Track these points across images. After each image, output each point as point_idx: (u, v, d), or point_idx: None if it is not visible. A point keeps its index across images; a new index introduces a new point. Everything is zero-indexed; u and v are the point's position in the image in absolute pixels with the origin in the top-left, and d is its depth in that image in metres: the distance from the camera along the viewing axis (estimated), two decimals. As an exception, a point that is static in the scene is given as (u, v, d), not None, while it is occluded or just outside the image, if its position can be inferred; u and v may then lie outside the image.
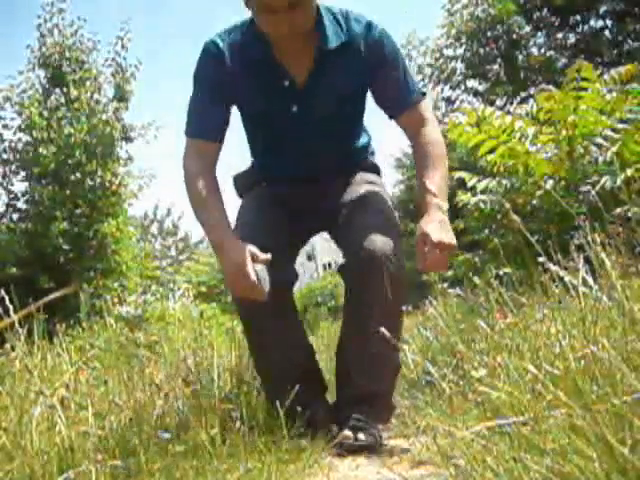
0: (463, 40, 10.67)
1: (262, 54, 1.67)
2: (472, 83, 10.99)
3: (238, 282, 1.55)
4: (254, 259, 1.55)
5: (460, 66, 10.88)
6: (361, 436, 1.63)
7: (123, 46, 8.57)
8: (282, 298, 1.73)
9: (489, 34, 10.49)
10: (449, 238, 1.54)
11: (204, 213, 1.65)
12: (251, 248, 1.56)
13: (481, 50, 10.59)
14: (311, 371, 1.89)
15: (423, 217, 1.59)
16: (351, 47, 1.67)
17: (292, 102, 1.71)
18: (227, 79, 1.68)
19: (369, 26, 1.70)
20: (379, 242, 1.64)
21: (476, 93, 10.93)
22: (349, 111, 1.82)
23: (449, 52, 10.97)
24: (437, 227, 1.54)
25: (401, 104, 1.75)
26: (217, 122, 1.72)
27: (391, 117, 1.80)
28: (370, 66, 1.69)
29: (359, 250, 1.65)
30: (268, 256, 1.58)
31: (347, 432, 1.63)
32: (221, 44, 1.69)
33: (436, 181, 1.63)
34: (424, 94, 1.81)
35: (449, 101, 11.29)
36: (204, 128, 1.70)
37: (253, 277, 1.52)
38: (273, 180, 1.91)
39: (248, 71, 1.69)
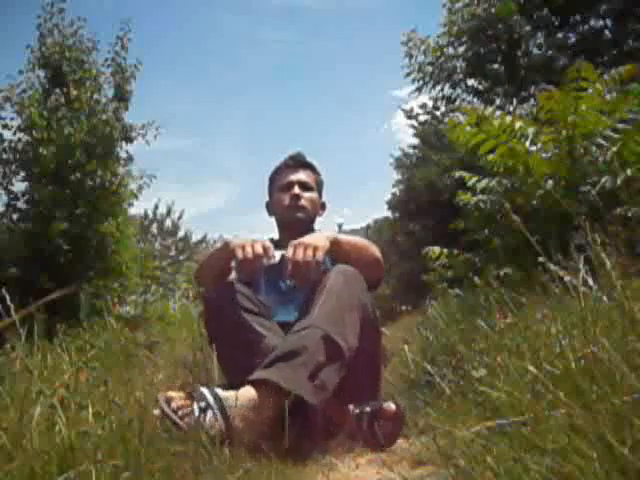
0: (464, 39, 10.65)
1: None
2: (472, 82, 10.95)
3: (246, 244, 1.78)
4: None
5: (461, 65, 10.85)
6: None
7: (123, 46, 8.58)
8: None
9: (489, 33, 10.47)
10: (309, 240, 1.78)
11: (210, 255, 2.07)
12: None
13: (481, 49, 10.57)
14: None
15: None
16: None
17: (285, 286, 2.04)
18: None
19: None
20: None
21: (476, 92, 10.90)
22: None
23: (450, 51, 10.93)
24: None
25: None
26: None
27: None
28: None
29: None
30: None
31: None
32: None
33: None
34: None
35: (449, 100, 11.26)
36: None
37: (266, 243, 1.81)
38: None
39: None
